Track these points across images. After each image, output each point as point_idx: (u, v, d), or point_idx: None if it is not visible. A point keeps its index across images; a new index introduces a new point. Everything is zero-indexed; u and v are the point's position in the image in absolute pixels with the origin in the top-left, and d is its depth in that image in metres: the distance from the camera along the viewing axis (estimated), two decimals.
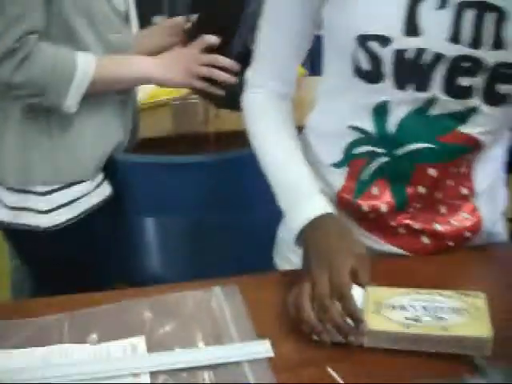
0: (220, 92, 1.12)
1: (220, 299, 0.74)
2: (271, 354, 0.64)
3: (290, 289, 0.70)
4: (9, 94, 1.03)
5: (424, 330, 0.64)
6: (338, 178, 0.83)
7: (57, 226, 1.10)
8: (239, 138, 1.02)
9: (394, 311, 0.67)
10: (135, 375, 0.63)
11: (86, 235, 1.15)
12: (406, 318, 0.66)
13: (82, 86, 1.03)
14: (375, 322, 0.66)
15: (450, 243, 0.84)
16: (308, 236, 0.74)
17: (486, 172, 0.83)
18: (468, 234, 0.84)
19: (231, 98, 1.10)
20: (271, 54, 0.86)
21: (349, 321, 0.65)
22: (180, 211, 1.15)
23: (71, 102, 1.03)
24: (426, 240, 0.84)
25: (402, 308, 0.68)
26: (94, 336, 0.69)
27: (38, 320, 0.72)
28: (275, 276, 0.77)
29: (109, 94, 1.11)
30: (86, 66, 1.03)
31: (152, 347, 0.67)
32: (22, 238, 1.15)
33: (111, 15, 1.09)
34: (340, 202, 0.84)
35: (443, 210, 0.83)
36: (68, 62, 1.02)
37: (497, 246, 0.89)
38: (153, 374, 0.63)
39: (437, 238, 0.83)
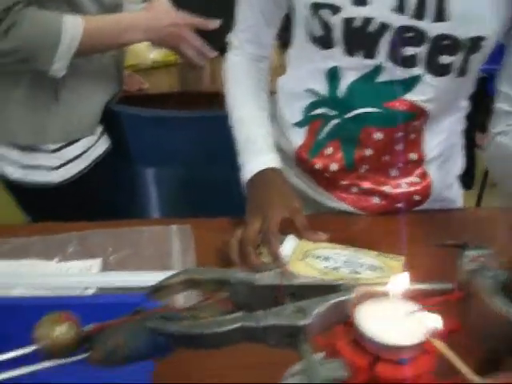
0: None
1: (173, 235, 0.84)
2: None
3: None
4: None
5: (337, 278, 0.71)
6: (298, 137, 0.90)
7: (67, 180, 1.18)
8: None
9: (317, 260, 0.73)
10: (85, 288, 0.74)
11: (90, 187, 1.23)
12: (326, 267, 0.72)
13: (69, 51, 1.04)
14: (297, 268, 0.72)
15: (400, 205, 0.89)
16: (251, 187, 0.82)
17: (437, 140, 0.87)
18: (417, 198, 0.89)
19: None
20: (247, 20, 0.92)
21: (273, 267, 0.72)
22: (173, 163, 1.25)
23: (58, 66, 1.05)
24: (376, 200, 0.89)
25: (326, 259, 0.74)
26: (60, 254, 0.81)
27: (15, 239, 0.84)
28: (225, 221, 0.86)
29: (100, 54, 1.18)
30: (73, 31, 1.04)
31: (106, 269, 0.78)
32: (30, 194, 1.22)
33: None
34: (297, 158, 0.90)
35: (394, 172, 0.88)
36: (55, 28, 1.03)
37: (447, 211, 0.93)
38: (100, 289, 0.74)
39: (386, 198, 0.89)
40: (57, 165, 1.17)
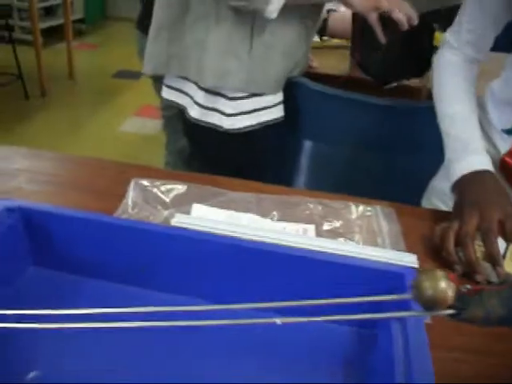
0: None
1: (379, 215, 0.88)
2: (416, 265, 0.78)
3: (438, 223, 0.83)
4: None
5: None
6: (506, 144, 0.92)
7: (237, 129, 1.23)
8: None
9: None
10: None
11: (254, 145, 1.28)
12: None
13: None
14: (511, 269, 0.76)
15: None
16: (466, 184, 0.84)
17: None
18: None
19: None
20: (471, 23, 0.94)
21: (484, 263, 0.76)
22: (341, 142, 1.29)
23: (274, 7, 1.09)
24: None
25: None
26: (275, 213, 0.86)
27: (228, 192, 0.91)
28: (426, 210, 0.89)
29: (298, 18, 1.20)
30: None
31: (319, 236, 0.83)
32: (204, 134, 1.29)
33: None
34: (502, 164, 0.93)
35: None
36: None
37: None
38: None
39: None
40: (229, 112, 1.22)
